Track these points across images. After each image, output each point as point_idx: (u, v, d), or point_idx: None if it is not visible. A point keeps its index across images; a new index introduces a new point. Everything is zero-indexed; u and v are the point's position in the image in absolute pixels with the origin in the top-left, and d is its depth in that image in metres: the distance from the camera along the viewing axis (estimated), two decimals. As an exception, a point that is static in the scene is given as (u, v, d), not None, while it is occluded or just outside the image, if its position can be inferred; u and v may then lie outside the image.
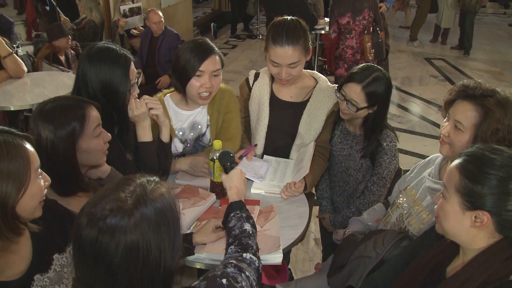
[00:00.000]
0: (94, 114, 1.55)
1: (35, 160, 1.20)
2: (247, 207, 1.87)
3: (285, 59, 2.03)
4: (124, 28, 5.58)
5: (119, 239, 0.94)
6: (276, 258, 1.62)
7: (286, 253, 2.71)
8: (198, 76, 2.01)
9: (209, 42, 2.10)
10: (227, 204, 1.60)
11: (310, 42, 2.10)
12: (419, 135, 5.27)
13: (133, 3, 6.12)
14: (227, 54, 8.13)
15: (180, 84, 2.06)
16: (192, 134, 2.24)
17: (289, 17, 2.11)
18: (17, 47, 5.01)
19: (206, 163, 2.08)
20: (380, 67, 2.11)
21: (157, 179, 1.10)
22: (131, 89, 1.83)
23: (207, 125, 2.25)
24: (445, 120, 1.71)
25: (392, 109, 5.74)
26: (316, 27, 4.83)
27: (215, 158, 1.92)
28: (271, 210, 1.88)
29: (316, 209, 2.67)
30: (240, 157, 2.21)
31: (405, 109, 5.95)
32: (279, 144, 2.31)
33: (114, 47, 1.83)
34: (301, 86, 2.27)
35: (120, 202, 0.97)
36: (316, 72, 2.34)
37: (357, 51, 4.62)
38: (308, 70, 2.35)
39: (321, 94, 2.21)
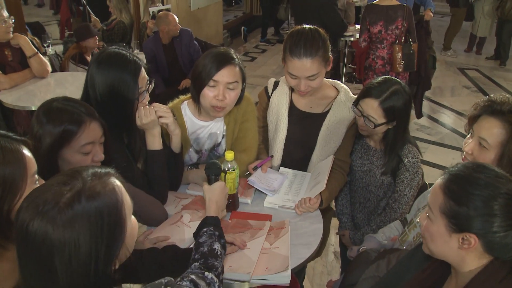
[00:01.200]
0: (90, 130, 1.50)
1: (32, 165, 1.17)
2: (258, 222, 1.83)
3: (303, 72, 1.94)
4: (152, 30, 5.59)
5: (47, 233, 0.90)
6: (284, 278, 1.54)
7: (301, 269, 2.62)
8: (212, 86, 1.95)
9: (232, 52, 2.02)
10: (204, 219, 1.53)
11: (330, 52, 2.01)
12: (448, 147, 5.09)
13: (162, 5, 6.16)
14: (256, 59, 8.09)
15: (195, 93, 2.00)
16: (207, 144, 2.19)
17: (307, 26, 2.02)
18: (47, 46, 5.11)
19: None
20: (398, 80, 2.01)
21: (111, 171, 1.05)
22: (139, 96, 1.78)
23: (223, 135, 2.19)
24: (468, 136, 1.61)
25: (422, 120, 5.57)
26: (345, 34, 4.71)
27: (226, 169, 1.86)
28: (283, 226, 1.80)
29: (335, 221, 2.57)
30: (255, 168, 2.14)
31: (435, 120, 5.76)
32: (297, 156, 2.23)
33: (124, 52, 1.78)
34: (321, 97, 2.18)
35: (58, 195, 0.93)
36: (338, 82, 2.24)
37: (388, 62, 4.45)
38: (330, 80, 2.26)
39: (341, 106, 2.12)
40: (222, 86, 1.94)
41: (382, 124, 1.98)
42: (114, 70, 1.72)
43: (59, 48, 5.27)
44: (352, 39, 4.90)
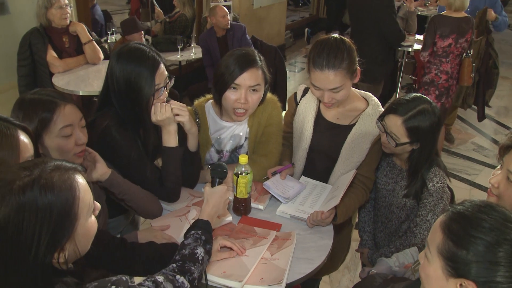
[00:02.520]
0: (66, 113, 1.53)
1: (26, 150, 1.21)
2: (264, 230, 1.79)
3: (326, 84, 1.86)
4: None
5: None
6: (275, 292, 1.50)
7: (313, 282, 2.56)
8: (234, 88, 1.93)
9: (256, 55, 2.00)
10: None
11: (356, 64, 1.92)
12: (505, 173, 4.75)
13: (225, 1, 6.22)
14: (316, 61, 7.96)
15: (217, 95, 1.99)
16: (229, 145, 2.17)
17: (333, 36, 1.93)
18: (111, 34, 5.33)
19: None
20: (429, 100, 1.89)
21: (78, 168, 1.06)
22: (156, 92, 1.79)
23: (246, 137, 2.17)
24: (498, 167, 1.48)
25: (481, 140, 5.27)
26: (403, 43, 4.52)
27: (239, 173, 1.84)
28: (288, 238, 1.76)
29: (356, 233, 2.48)
30: (274, 173, 2.10)
31: (496, 142, 5.41)
32: (319, 166, 2.17)
33: (144, 48, 1.81)
34: (350, 109, 2.09)
35: (15, 178, 0.96)
36: (370, 95, 2.15)
37: (451, 76, 4.21)
38: (362, 92, 2.17)
39: (368, 120, 2.03)
40: (244, 89, 1.93)
41: (404, 143, 1.87)
42: (132, 64, 1.75)
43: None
44: (410, 49, 4.70)
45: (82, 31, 3.58)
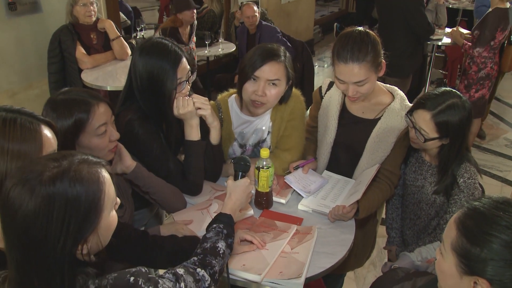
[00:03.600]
0: (100, 112, 1.56)
1: (49, 145, 1.23)
2: (285, 224, 1.78)
3: (350, 77, 1.83)
4: (240, 20, 5.67)
5: (24, 200, 0.94)
6: (295, 285, 1.49)
7: (338, 277, 2.53)
8: (253, 80, 1.93)
9: (281, 50, 1.98)
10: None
11: (381, 58, 1.88)
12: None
13: (253, -4, 6.22)
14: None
15: (239, 86, 2.00)
16: (252, 139, 2.17)
17: (358, 29, 1.89)
18: (140, 30, 5.41)
19: None
20: (460, 94, 1.83)
21: (102, 162, 1.07)
22: (178, 86, 1.80)
23: (268, 132, 2.17)
24: None
25: (513, 135, 5.11)
26: (432, 37, 4.41)
27: (260, 167, 1.83)
28: (309, 232, 1.74)
29: (383, 230, 2.44)
30: (296, 168, 2.09)
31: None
32: (344, 161, 2.14)
33: (166, 42, 1.82)
34: (375, 102, 2.06)
35: (44, 169, 0.97)
36: (396, 88, 2.11)
37: (496, 63, 4.16)
38: (388, 85, 2.13)
39: (393, 114, 1.99)
40: (263, 82, 1.92)
41: (433, 139, 1.83)
42: (154, 58, 1.77)
43: (151, 33, 5.56)
44: (440, 43, 4.58)
45: (110, 27, 3.65)
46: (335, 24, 8.89)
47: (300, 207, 1.95)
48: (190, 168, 1.90)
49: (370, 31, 1.88)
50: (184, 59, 1.82)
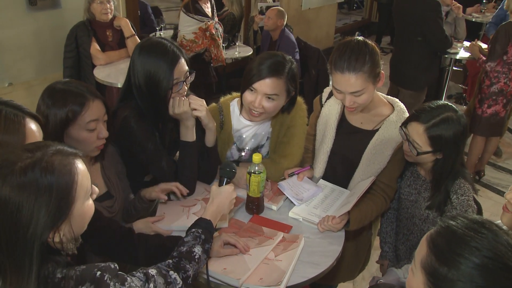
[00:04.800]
0: (94, 108, 1.59)
1: (33, 138, 1.26)
2: (271, 231, 1.78)
3: (347, 87, 1.81)
4: (259, 24, 5.69)
5: None
6: (272, 293, 1.48)
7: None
8: (251, 90, 1.93)
9: (286, 65, 1.95)
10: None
11: (380, 68, 1.85)
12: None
13: (273, 1, 6.22)
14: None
15: (241, 92, 2.00)
16: (250, 143, 2.18)
17: (357, 38, 1.87)
18: (159, 30, 5.47)
19: None
20: (455, 108, 1.80)
21: (78, 153, 1.10)
22: (174, 86, 1.82)
23: (268, 137, 2.16)
24: None
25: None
26: (449, 50, 4.34)
27: (252, 172, 1.83)
28: (295, 240, 1.73)
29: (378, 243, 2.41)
30: (291, 174, 2.08)
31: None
32: (340, 171, 2.12)
33: (166, 42, 1.85)
34: (374, 113, 2.04)
35: (17, 159, 1.00)
36: (397, 100, 2.07)
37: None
38: (389, 97, 2.10)
39: (391, 126, 1.97)
40: (260, 95, 1.92)
41: (426, 152, 1.80)
42: (152, 57, 1.80)
43: (170, 32, 5.62)
44: (458, 56, 4.50)
45: (126, 25, 3.70)
46: (357, 33, 8.82)
47: (291, 214, 1.94)
48: (184, 169, 1.92)
49: (369, 41, 1.86)
50: (182, 60, 1.84)
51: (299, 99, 2.18)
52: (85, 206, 1.11)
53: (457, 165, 1.84)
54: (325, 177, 2.16)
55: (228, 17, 6.01)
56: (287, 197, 2.01)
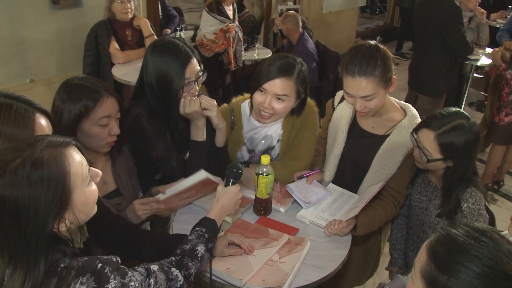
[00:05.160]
0: (107, 104, 1.62)
1: (42, 132, 1.29)
2: (277, 233, 1.78)
3: (357, 91, 1.80)
4: (278, 27, 5.69)
5: None
6: (273, 295, 1.48)
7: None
8: (261, 91, 1.94)
9: (296, 66, 1.96)
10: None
11: (391, 73, 1.83)
12: None
13: (293, 4, 6.22)
14: (385, 71, 7.75)
15: (251, 92, 2.01)
16: (261, 145, 2.18)
17: (369, 42, 1.85)
18: (180, 30, 5.52)
19: None
20: (467, 115, 1.77)
21: (72, 142, 1.12)
22: (185, 86, 1.83)
23: (278, 139, 2.16)
24: None
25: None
26: (470, 56, 4.26)
27: (260, 173, 1.83)
28: (300, 243, 1.72)
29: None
30: (300, 177, 2.08)
31: None
32: (350, 175, 2.10)
33: (178, 42, 1.86)
34: (386, 118, 2.02)
35: (9, 159, 1.02)
36: (409, 106, 2.05)
37: None
38: (402, 102, 2.08)
39: (403, 131, 1.94)
40: (270, 95, 1.93)
41: (436, 160, 1.78)
42: (165, 56, 1.82)
43: (190, 33, 5.67)
44: (479, 63, 4.42)
45: (145, 25, 3.75)
46: (378, 37, 8.73)
47: (298, 217, 1.93)
48: (193, 168, 1.92)
49: (381, 46, 1.84)
50: (194, 60, 1.86)
51: (311, 102, 2.17)
52: (87, 192, 1.13)
53: (468, 173, 1.81)
54: (335, 181, 2.15)
55: (249, 19, 6.03)
56: (295, 200, 2.01)
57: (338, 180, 2.14)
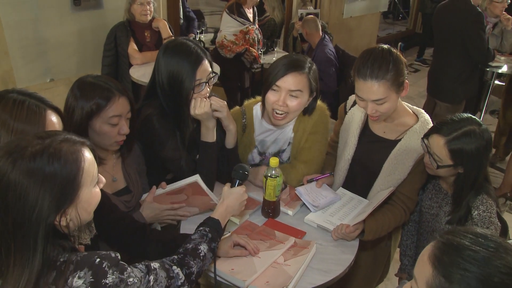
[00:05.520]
0: (118, 104, 1.64)
1: (52, 129, 1.32)
2: (283, 235, 1.77)
3: (369, 95, 1.79)
4: (298, 31, 5.68)
5: (7, 171, 1.02)
6: (276, 297, 1.48)
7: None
8: (274, 90, 1.94)
9: (307, 62, 1.98)
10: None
11: (404, 77, 1.81)
12: None
13: (314, 8, 6.20)
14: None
15: (263, 95, 2.01)
16: (272, 148, 2.18)
17: (381, 46, 1.84)
18: (200, 32, 5.57)
19: None
20: (480, 121, 1.74)
21: (86, 142, 1.14)
22: (196, 87, 1.85)
23: (289, 142, 2.16)
24: None
25: None
26: (491, 63, 4.18)
27: (268, 175, 1.84)
28: (306, 246, 1.72)
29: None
30: (310, 180, 2.07)
31: None
32: (360, 180, 2.09)
33: (190, 43, 1.88)
34: (398, 123, 2.00)
35: (28, 145, 1.04)
36: (422, 111, 2.03)
37: None
38: (414, 107, 2.06)
39: (414, 137, 1.92)
40: (284, 92, 1.92)
41: (446, 166, 1.75)
42: (176, 58, 1.84)
43: (210, 36, 5.71)
44: (499, 70, 4.33)
45: (164, 27, 3.80)
46: (400, 43, 8.68)
47: (306, 220, 1.92)
48: (202, 169, 1.94)
49: (394, 50, 1.83)
50: (205, 61, 1.87)
51: (323, 106, 2.17)
52: (92, 192, 1.15)
53: (480, 180, 1.78)
54: (345, 185, 2.14)
55: (269, 22, 6.04)
56: (304, 204, 2.00)
57: (348, 184, 2.13)
